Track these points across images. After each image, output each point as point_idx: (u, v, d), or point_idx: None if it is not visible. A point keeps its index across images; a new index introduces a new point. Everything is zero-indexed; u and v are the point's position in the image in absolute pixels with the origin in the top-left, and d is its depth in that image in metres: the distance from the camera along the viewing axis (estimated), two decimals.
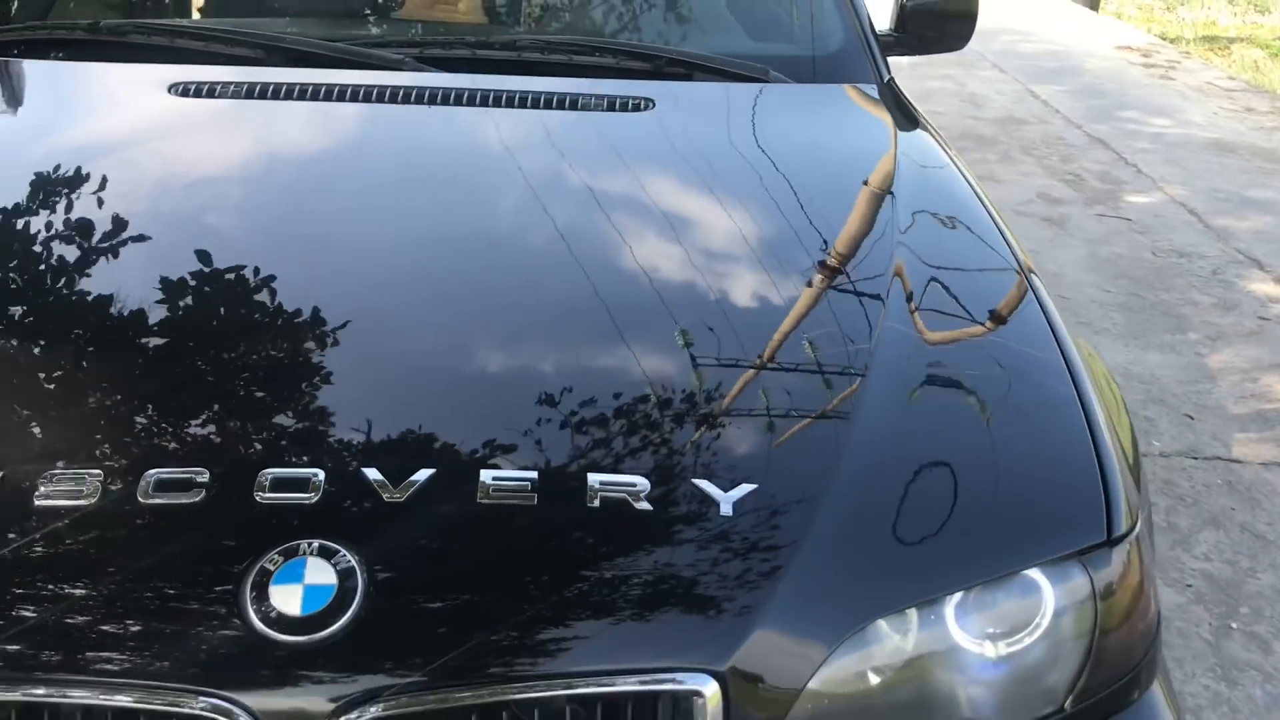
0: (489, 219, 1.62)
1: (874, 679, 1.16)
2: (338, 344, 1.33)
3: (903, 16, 2.45)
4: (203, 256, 1.44)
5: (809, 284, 1.54)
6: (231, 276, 1.42)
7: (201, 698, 0.99)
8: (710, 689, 1.07)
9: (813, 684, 1.11)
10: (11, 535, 1.07)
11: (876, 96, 2.18)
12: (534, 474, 1.16)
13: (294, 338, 1.34)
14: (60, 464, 1.12)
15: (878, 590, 1.17)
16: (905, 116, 2.15)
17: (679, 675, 1.07)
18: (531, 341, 1.39)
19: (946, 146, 2.06)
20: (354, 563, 1.06)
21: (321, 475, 1.13)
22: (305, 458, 1.16)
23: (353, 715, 1.00)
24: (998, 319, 1.56)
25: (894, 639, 1.19)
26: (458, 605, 1.07)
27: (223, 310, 1.40)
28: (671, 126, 1.91)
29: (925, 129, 2.13)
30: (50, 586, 1.06)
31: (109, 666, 1.00)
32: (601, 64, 1.99)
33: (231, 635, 1.02)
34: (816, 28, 2.33)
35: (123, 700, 0.99)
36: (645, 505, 1.15)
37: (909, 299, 1.52)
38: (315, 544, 1.07)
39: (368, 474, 1.13)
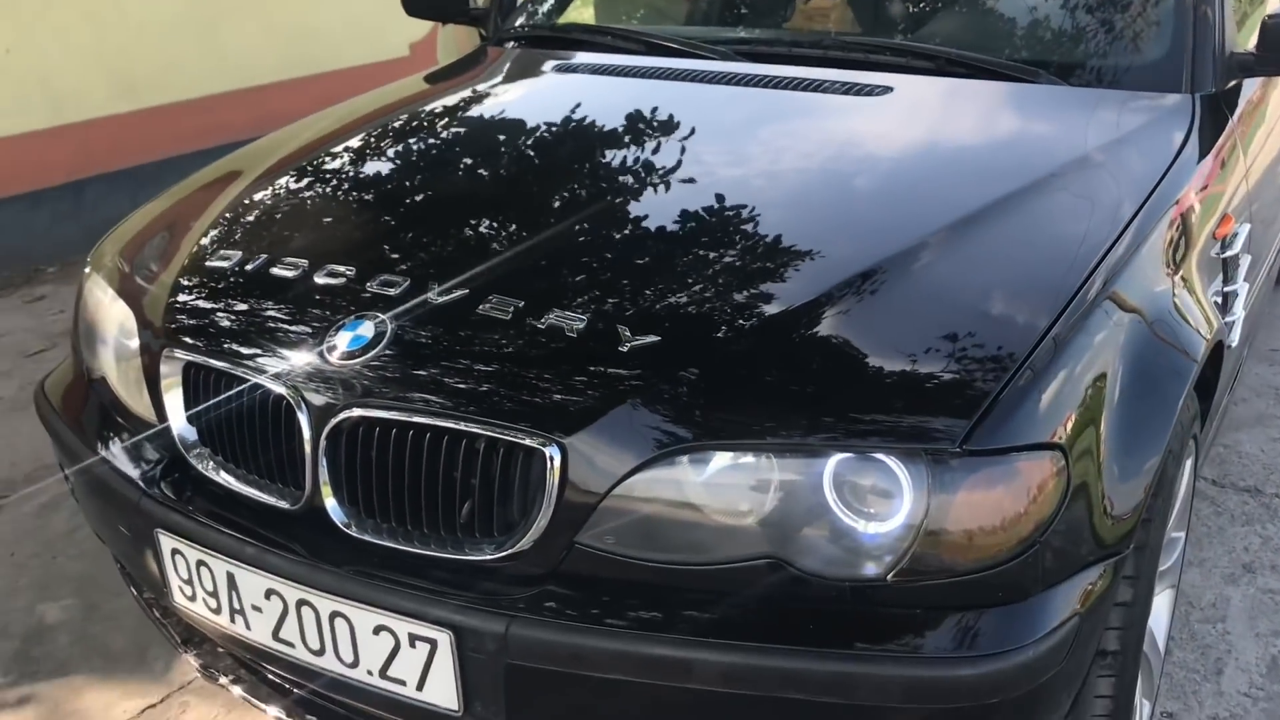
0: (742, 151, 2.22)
1: (695, 502, 1.51)
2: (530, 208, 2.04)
3: (1267, 34, 2.40)
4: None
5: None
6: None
7: (276, 381, 1.69)
8: (556, 453, 1.52)
9: (638, 476, 1.50)
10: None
11: (1165, 105, 2.25)
12: (521, 302, 1.69)
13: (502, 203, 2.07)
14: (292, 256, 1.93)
15: (717, 424, 1.51)
16: (1180, 131, 2.18)
17: (539, 435, 1.53)
18: (640, 229, 1.92)
19: (1179, 172, 2.06)
20: (388, 329, 1.69)
21: (408, 282, 1.77)
22: (405, 271, 1.81)
23: (348, 412, 1.63)
24: (1029, 271, 1.73)
25: (743, 474, 1.51)
26: (437, 364, 1.65)
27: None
28: (898, 110, 2.24)
29: (1199, 149, 2.14)
30: (261, 295, 1.86)
31: (247, 346, 1.76)
32: (869, 59, 2.38)
33: (311, 353, 1.70)
34: (1133, 36, 2.42)
35: (221, 365, 1.75)
36: (573, 334, 1.63)
37: (961, 230, 1.80)
38: (375, 314, 1.71)
39: (430, 285, 1.75)
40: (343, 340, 1.69)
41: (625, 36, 2.75)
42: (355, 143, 2.43)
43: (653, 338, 1.61)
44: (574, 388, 1.58)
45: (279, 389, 1.69)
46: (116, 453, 1.95)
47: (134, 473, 1.88)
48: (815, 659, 1.46)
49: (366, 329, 1.70)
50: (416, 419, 1.60)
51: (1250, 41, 2.47)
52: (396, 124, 2.53)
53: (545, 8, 3.12)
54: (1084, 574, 1.55)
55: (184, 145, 5.42)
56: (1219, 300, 2.09)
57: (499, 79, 2.79)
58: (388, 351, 1.66)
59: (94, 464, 1.96)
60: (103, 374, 2.06)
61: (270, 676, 1.91)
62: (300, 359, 1.70)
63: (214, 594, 1.75)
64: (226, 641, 1.85)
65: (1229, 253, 2.12)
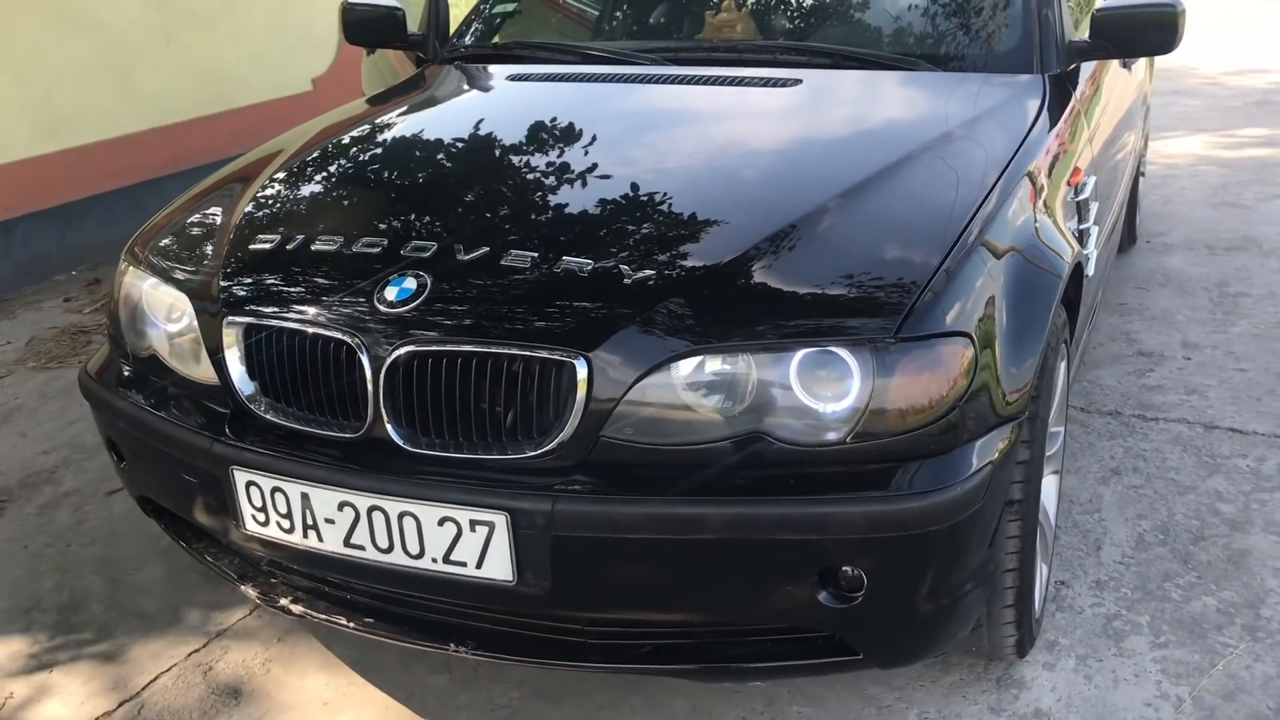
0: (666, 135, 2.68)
1: (692, 395, 1.92)
2: (520, 179, 2.49)
3: (1095, 26, 2.94)
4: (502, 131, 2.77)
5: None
6: (497, 150, 2.66)
7: (337, 330, 2.05)
8: (583, 366, 1.92)
9: (647, 379, 1.91)
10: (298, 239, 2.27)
11: (1021, 83, 2.77)
12: (536, 254, 2.09)
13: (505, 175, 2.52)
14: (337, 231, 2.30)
15: (704, 335, 1.93)
16: (1034, 102, 2.69)
17: (567, 351, 1.93)
18: (622, 192, 2.33)
19: (1038, 133, 2.55)
20: (428, 281, 2.07)
21: (436, 245, 2.16)
22: (431, 237, 2.19)
23: (402, 349, 1.99)
24: (926, 211, 2.20)
25: (728, 371, 1.93)
26: (475, 304, 2.03)
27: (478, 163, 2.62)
28: (803, 97, 2.72)
29: (1050, 117, 2.66)
30: (308, 266, 2.22)
31: (305, 306, 2.11)
32: (779, 59, 2.86)
33: (364, 306, 2.07)
34: (992, 31, 2.95)
35: (285, 325, 2.10)
36: (585, 275, 2.04)
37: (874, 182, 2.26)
38: (415, 271, 2.09)
39: (456, 246, 2.14)
40: (391, 293, 2.07)
41: (563, 50, 3.17)
42: (344, 146, 2.80)
43: (648, 272, 2.03)
44: (591, 314, 1.99)
45: (342, 337, 2.05)
46: (179, 413, 2.28)
47: (201, 425, 2.21)
48: (797, 505, 1.89)
49: (410, 282, 2.07)
50: (463, 348, 1.98)
51: (1084, 32, 3.03)
52: (374, 128, 2.91)
53: (480, 31, 3.53)
54: (993, 433, 2.00)
55: (108, 183, 5.65)
56: (1077, 235, 2.60)
57: (458, 88, 3.19)
58: (431, 298, 2.04)
59: (158, 424, 2.28)
60: (152, 351, 2.38)
61: (329, 591, 2.25)
62: (356, 312, 2.07)
63: (287, 515, 2.09)
64: (294, 559, 2.19)
65: (1081, 197, 2.63)
